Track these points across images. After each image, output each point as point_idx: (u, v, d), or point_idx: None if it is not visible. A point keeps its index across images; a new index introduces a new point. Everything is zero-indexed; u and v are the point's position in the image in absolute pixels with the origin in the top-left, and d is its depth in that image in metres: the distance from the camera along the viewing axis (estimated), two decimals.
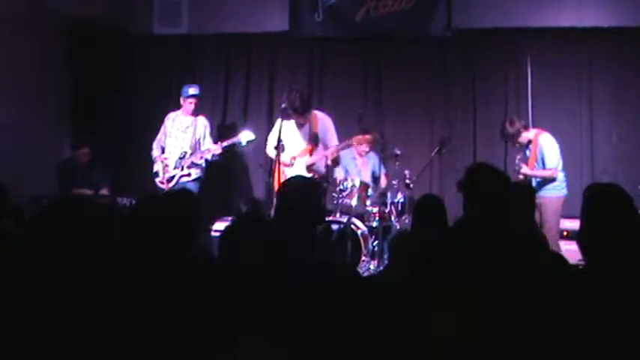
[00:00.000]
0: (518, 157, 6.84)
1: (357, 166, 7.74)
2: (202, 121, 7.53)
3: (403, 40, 8.40)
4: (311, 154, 6.78)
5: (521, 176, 6.67)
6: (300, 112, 6.62)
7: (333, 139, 6.83)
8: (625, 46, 8.00)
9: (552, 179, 6.61)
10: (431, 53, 8.48)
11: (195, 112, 7.47)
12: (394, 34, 8.33)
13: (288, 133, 6.76)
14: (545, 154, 6.69)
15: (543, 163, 6.70)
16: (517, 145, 6.90)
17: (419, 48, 8.46)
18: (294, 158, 6.79)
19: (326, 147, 6.79)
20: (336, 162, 6.89)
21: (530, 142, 6.80)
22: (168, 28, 8.69)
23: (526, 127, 6.86)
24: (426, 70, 8.50)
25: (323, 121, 6.83)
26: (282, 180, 6.41)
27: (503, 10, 8.11)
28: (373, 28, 8.32)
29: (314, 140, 6.77)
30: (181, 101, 7.45)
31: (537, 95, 8.05)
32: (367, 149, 7.80)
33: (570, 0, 8.07)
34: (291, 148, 6.80)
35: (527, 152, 6.82)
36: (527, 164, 6.74)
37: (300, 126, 6.79)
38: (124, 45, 8.62)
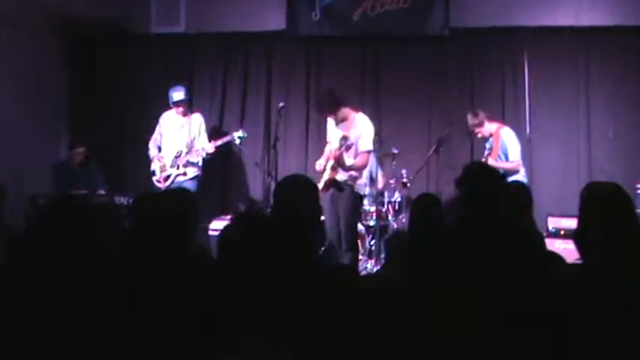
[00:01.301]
0: (487, 147, 6.96)
1: None
2: (197, 119, 7.56)
3: (400, 39, 8.40)
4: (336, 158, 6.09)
5: None
6: (327, 112, 6.28)
7: (363, 145, 6.14)
8: (622, 46, 8.00)
9: (515, 172, 6.72)
10: (428, 52, 8.48)
11: (186, 113, 7.50)
12: (392, 33, 8.33)
13: (330, 135, 6.39)
14: (507, 147, 6.83)
15: (506, 157, 6.85)
16: (478, 136, 7.12)
17: (416, 47, 8.45)
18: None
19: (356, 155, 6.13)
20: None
21: (491, 135, 6.95)
22: (165, 27, 8.68)
23: (489, 119, 7.02)
24: (424, 69, 8.49)
25: (358, 126, 6.18)
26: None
27: (501, 9, 8.11)
28: (371, 27, 8.32)
29: (341, 142, 6.07)
30: (170, 104, 7.49)
31: (535, 94, 8.05)
32: None
33: None
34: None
35: (488, 145, 6.96)
36: (485, 156, 6.87)
37: (337, 126, 6.26)
38: (121, 44, 8.62)
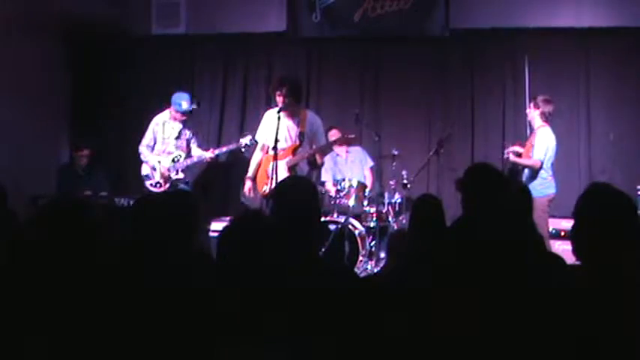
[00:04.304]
0: (510, 148, 6.94)
1: (343, 164, 7.79)
2: (188, 129, 7.49)
3: (401, 40, 8.41)
4: (294, 154, 6.48)
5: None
6: (295, 100, 6.43)
7: (321, 140, 6.64)
8: (623, 47, 8.01)
9: (535, 173, 6.56)
10: (429, 53, 8.49)
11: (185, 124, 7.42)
12: (392, 34, 8.34)
13: (273, 127, 6.47)
14: (534, 145, 6.68)
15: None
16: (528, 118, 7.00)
17: (417, 48, 8.47)
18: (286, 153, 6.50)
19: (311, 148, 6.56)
20: (314, 164, 6.62)
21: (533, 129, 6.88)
22: (166, 29, 8.69)
23: (545, 117, 6.82)
24: (424, 70, 8.50)
25: (312, 122, 6.61)
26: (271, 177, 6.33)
27: (502, 10, 8.12)
28: (371, 29, 8.33)
29: (300, 138, 6.50)
30: (172, 109, 7.38)
31: (535, 95, 8.04)
32: (346, 147, 7.81)
33: (568, 0, 8.08)
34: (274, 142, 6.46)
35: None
36: (524, 148, 6.81)
37: (288, 120, 6.47)
38: (122, 45, 8.62)
